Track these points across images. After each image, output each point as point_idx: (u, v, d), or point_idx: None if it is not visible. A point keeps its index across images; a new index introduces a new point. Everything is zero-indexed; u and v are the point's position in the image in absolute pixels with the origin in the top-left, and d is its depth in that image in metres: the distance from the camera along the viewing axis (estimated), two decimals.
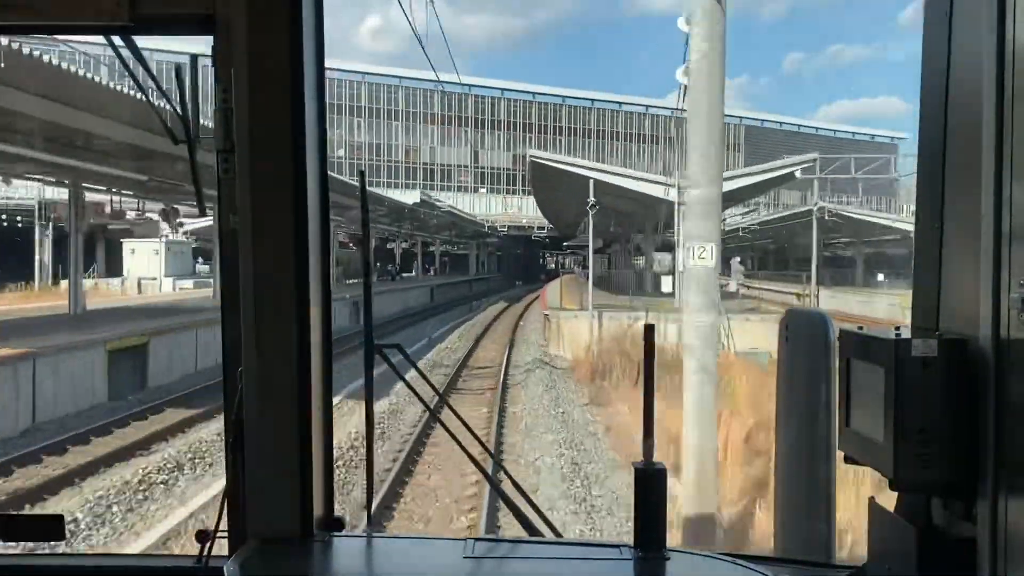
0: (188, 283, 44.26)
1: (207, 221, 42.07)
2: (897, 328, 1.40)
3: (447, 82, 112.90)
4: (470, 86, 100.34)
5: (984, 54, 1.27)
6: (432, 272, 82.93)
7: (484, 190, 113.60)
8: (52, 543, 2.26)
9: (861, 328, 1.46)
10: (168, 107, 1.92)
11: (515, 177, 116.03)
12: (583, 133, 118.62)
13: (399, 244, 66.23)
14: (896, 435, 1.30)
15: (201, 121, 1.93)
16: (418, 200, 54.03)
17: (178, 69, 1.84)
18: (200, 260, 54.82)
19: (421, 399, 2.09)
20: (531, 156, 37.49)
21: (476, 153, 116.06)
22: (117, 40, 1.89)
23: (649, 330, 1.74)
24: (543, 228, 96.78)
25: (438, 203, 64.14)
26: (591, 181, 31.32)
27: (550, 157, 36.61)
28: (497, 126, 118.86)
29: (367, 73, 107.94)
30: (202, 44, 1.88)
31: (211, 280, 38.77)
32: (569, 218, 56.83)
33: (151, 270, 44.81)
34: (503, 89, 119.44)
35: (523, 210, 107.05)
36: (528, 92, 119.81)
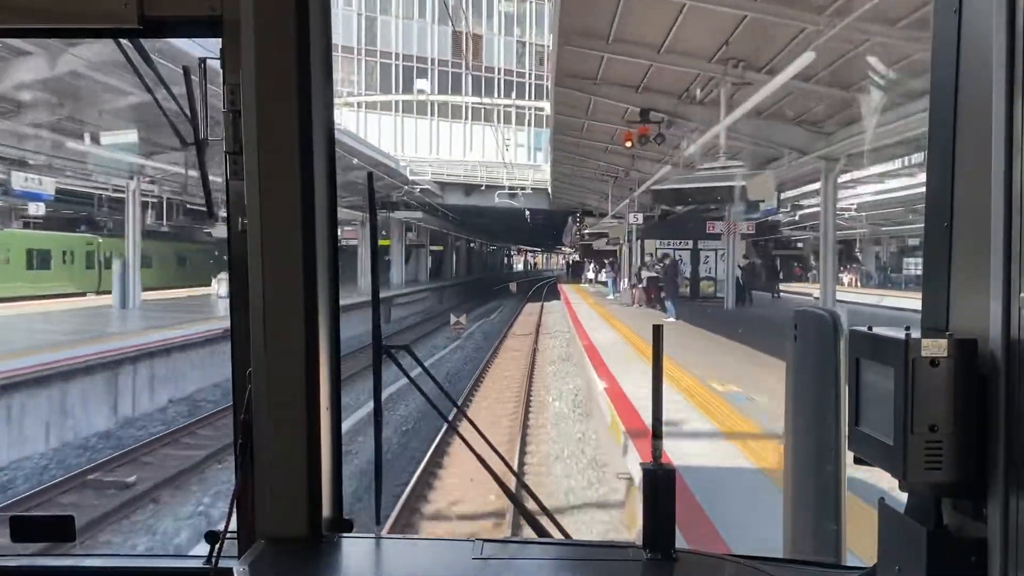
0: None
1: None
2: (907, 327, 1.40)
3: None
4: None
5: (995, 51, 1.28)
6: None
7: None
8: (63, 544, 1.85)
9: (870, 328, 1.47)
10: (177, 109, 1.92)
11: (465, 82, 64.70)
12: None
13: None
14: (906, 435, 1.31)
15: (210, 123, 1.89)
16: None
17: (186, 71, 1.86)
18: None
19: (428, 399, 2.12)
20: None
21: (364, 30, 62.21)
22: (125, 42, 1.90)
23: (657, 330, 1.79)
24: (522, 189, 46.92)
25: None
26: None
27: None
28: None
29: None
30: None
31: None
32: None
33: None
34: None
35: (481, 148, 57.04)
36: None
